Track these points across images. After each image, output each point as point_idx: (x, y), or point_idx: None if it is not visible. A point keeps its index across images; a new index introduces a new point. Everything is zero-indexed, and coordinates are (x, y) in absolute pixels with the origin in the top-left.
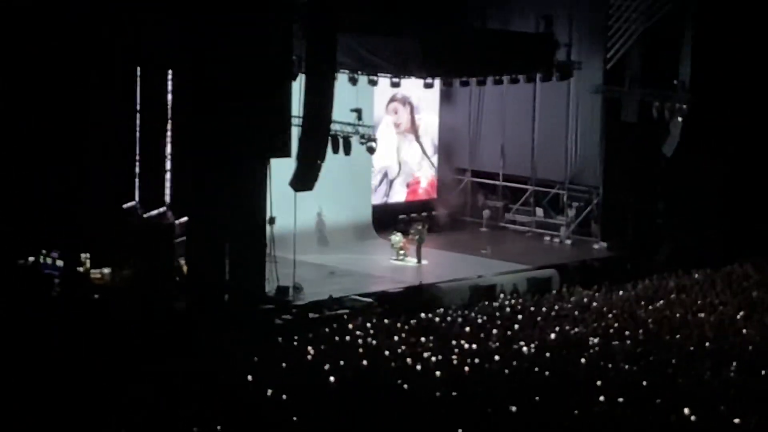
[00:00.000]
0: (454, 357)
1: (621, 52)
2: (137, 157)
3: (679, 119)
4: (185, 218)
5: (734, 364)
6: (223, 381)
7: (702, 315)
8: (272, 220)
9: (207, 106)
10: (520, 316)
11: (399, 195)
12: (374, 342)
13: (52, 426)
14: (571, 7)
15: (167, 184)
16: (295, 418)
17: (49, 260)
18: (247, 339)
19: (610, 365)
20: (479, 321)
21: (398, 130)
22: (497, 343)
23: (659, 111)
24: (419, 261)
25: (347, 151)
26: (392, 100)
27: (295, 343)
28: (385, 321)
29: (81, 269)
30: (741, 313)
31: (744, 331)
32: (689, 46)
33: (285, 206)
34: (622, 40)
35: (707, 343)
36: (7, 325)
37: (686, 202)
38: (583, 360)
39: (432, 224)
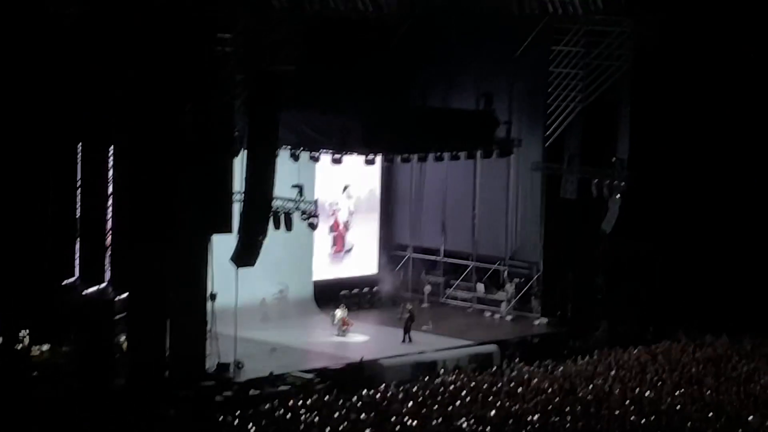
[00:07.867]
0: None
1: (560, 130)
2: (77, 233)
3: (618, 196)
4: (126, 294)
5: None
6: None
7: (641, 391)
8: (213, 296)
9: (148, 182)
10: (462, 392)
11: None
12: (315, 419)
13: None
14: (511, 86)
15: (108, 260)
16: None
17: None
18: (188, 416)
19: None
20: (420, 397)
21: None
22: (438, 420)
23: (598, 188)
24: (410, 340)
25: (289, 227)
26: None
27: (236, 420)
28: (326, 398)
29: (19, 346)
30: (679, 390)
31: (681, 407)
32: (627, 124)
33: (226, 282)
34: (560, 118)
35: (644, 420)
36: None
37: (624, 278)
38: None
39: (373, 299)
